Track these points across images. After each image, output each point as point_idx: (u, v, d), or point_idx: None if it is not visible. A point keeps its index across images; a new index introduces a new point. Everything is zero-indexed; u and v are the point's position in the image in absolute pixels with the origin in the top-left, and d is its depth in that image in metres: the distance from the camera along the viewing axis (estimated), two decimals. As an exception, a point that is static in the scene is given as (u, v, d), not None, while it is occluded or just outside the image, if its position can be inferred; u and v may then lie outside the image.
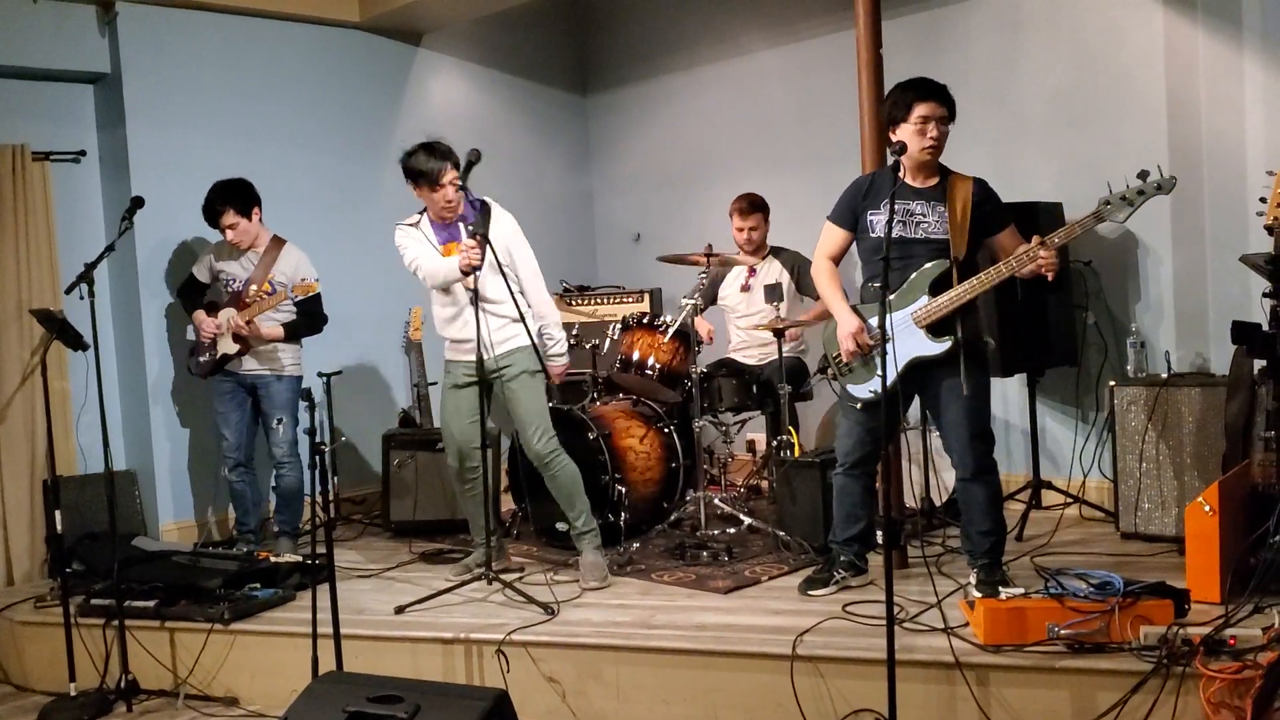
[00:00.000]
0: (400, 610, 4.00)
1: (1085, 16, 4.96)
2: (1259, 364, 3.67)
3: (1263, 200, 3.49)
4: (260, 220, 4.95)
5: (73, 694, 4.01)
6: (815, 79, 5.94)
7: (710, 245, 5.12)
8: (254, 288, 4.87)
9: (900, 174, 3.60)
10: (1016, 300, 4.60)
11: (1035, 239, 3.50)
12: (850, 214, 3.82)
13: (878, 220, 3.73)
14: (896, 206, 3.67)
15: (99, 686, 4.07)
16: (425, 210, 4.35)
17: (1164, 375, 4.43)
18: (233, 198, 4.84)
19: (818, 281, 3.93)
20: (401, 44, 6.26)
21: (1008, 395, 5.27)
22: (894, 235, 3.63)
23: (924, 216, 3.67)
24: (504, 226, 4.28)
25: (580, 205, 7.12)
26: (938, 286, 3.63)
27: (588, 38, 7.18)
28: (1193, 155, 4.69)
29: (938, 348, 3.62)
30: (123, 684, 3.99)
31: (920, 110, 3.59)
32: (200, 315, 4.96)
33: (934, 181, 3.71)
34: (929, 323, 3.63)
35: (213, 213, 4.86)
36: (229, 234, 4.86)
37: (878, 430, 3.82)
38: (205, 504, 5.51)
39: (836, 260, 3.90)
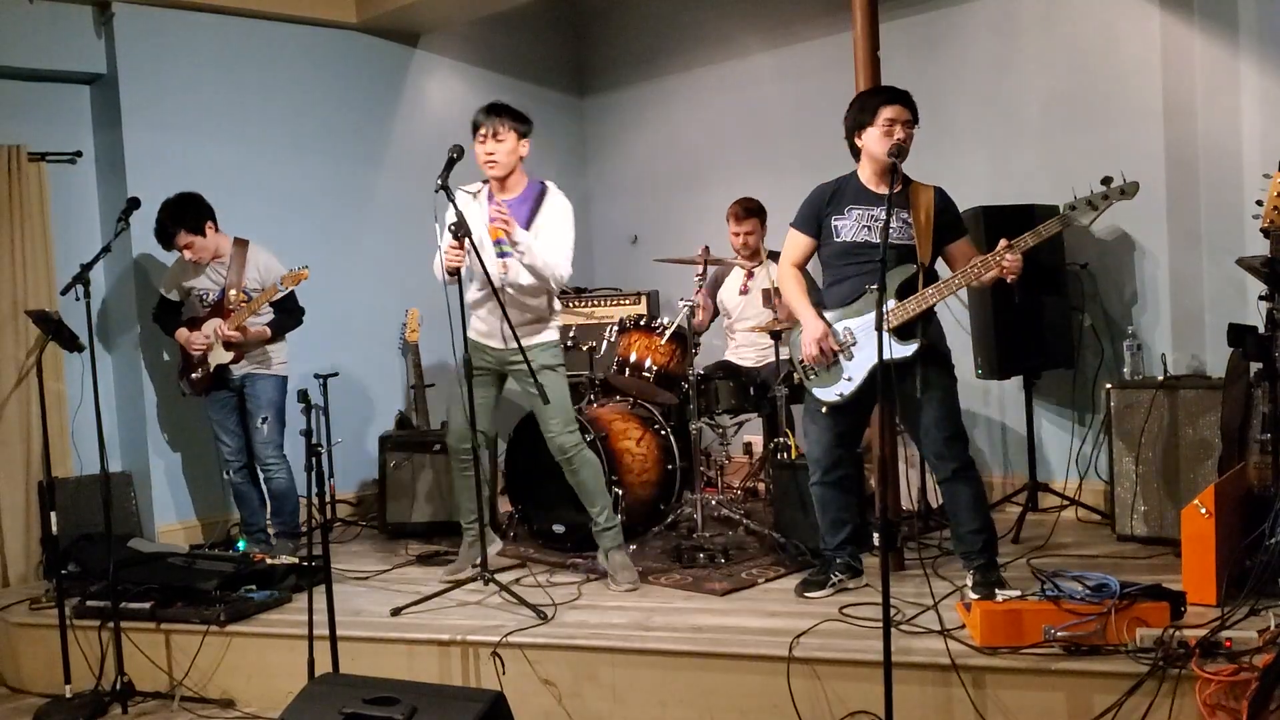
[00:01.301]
0: (396, 612, 3.99)
1: (1081, 19, 4.96)
2: (1255, 366, 3.68)
3: (1259, 203, 3.49)
4: (216, 230, 4.87)
5: (68, 696, 4.00)
6: (812, 81, 5.95)
7: (707, 247, 5.12)
8: (233, 293, 4.84)
9: (896, 178, 3.61)
10: (1013, 303, 4.60)
11: (1002, 242, 3.53)
12: (814, 221, 3.84)
13: (841, 225, 3.77)
14: (859, 211, 3.74)
15: (94, 688, 4.06)
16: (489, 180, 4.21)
17: (1160, 378, 4.44)
18: (183, 218, 4.76)
19: (783, 288, 3.92)
20: (398, 45, 6.26)
21: (1004, 398, 5.27)
22: (859, 240, 3.72)
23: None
24: (545, 213, 4.16)
25: (577, 207, 6.95)
26: (904, 291, 3.65)
27: (585, 40, 7.18)
28: (1189, 158, 4.69)
29: (905, 350, 3.64)
30: (118, 686, 3.97)
31: (886, 113, 3.63)
32: (184, 333, 4.92)
33: (896, 187, 3.73)
34: (895, 326, 3.64)
35: (165, 235, 4.79)
36: (186, 254, 4.80)
37: (846, 434, 3.84)
38: (201, 505, 5.50)
39: (801, 267, 3.93)
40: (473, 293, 4.22)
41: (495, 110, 4.13)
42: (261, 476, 5.04)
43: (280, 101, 5.76)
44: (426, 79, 6.40)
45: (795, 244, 3.89)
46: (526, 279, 4.12)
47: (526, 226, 4.11)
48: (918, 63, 5.31)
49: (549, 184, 4.26)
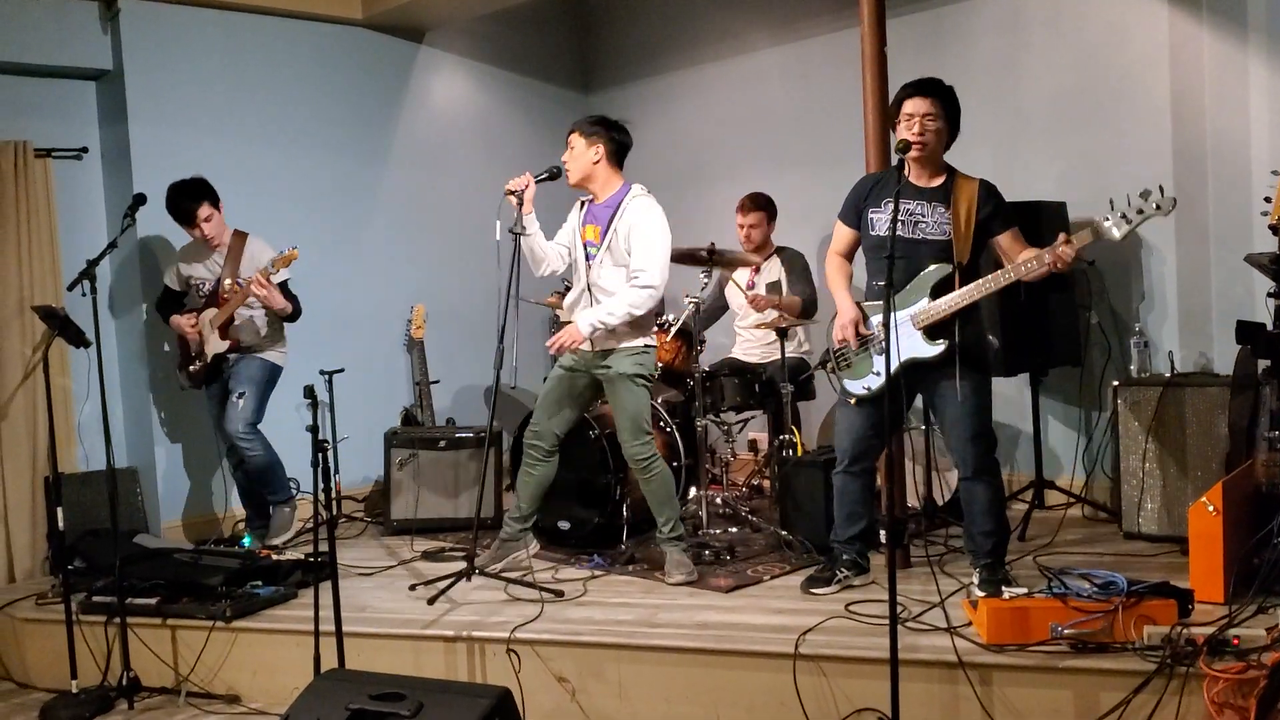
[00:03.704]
0: (413, 588, 4.06)
1: (1089, 16, 4.95)
2: (1263, 364, 3.67)
3: (1267, 200, 3.49)
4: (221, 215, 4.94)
5: (74, 691, 4.00)
6: (819, 77, 5.94)
7: (713, 243, 5.11)
8: (227, 283, 4.86)
9: (905, 171, 3.60)
10: (1020, 300, 4.59)
11: (1061, 236, 3.45)
12: (854, 213, 3.86)
13: (877, 218, 3.77)
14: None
15: (100, 684, 4.06)
16: None
17: (1167, 375, 4.42)
18: (203, 193, 4.83)
19: (827, 275, 3.97)
20: (404, 41, 6.25)
21: (1011, 395, 5.26)
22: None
23: (923, 217, 3.68)
24: (628, 218, 4.18)
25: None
26: (939, 290, 3.64)
27: (590, 35, 7.17)
28: (1197, 155, 4.68)
29: (932, 350, 3.64)
30: (124, 681, 3.98)
31: (906, 107, 3.65)
32: (177, 318, 4.96)
33: (938, 181, 3.71)
34: (925, 325, 3.64)
35: (183, 211, 4.83)
36: (205, 227, 4.84)
37: (880, 424, 3.83)
38: (207, 501, 5.50)
39: (847, 257, 3.95)
40: (569, 296, 4.35)
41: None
42: (240, 455, 4.99)
43: (286, 97, 5.76)
44: (432, 75, 6.40)
45: (838, 235, 3.94)
46: (608, 282, 4.18)
47: (604, 234, 4.20)
48: (924, 59, 5.27)
49: (634, 187, 4.27)
